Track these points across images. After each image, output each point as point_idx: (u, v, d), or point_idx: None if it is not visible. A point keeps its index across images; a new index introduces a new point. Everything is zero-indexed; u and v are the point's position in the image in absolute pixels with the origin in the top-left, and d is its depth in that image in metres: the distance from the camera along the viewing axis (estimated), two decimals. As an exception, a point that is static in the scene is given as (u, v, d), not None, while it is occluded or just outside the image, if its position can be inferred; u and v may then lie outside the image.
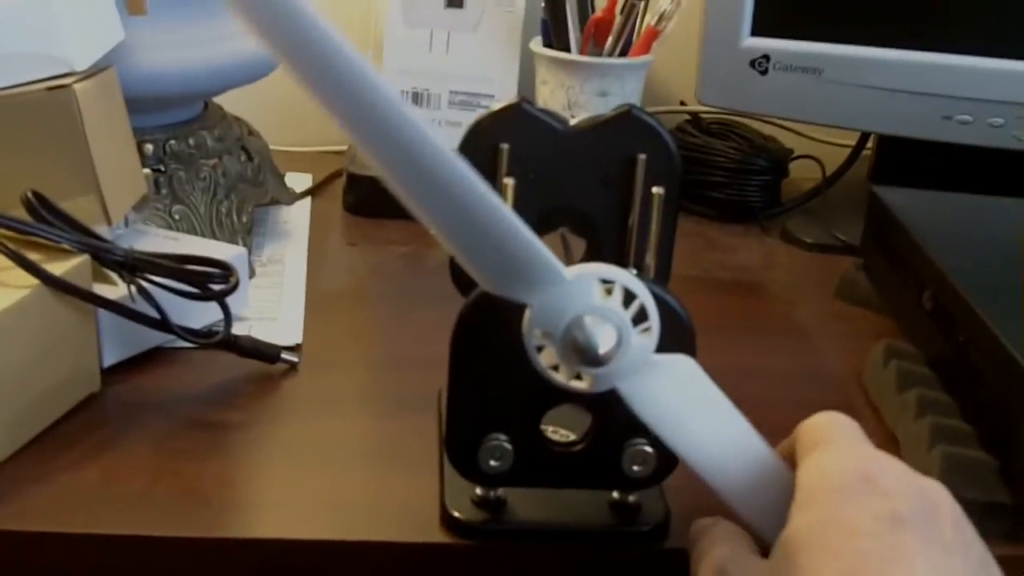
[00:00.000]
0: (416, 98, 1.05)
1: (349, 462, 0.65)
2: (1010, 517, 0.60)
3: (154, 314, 0.68)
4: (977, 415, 0.66)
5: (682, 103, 1.22)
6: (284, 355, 0.73)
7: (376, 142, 0.45)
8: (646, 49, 1.04)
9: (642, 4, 1.02)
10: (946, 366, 0.71)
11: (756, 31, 1.00)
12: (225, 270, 0.69)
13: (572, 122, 0.59)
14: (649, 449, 0.56)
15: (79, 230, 0.67)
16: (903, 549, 0.45)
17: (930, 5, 1.01)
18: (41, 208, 0.66)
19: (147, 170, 0.81)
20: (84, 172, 0.69)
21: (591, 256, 0.61)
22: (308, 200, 1.05)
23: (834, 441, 0.51)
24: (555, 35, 1.04)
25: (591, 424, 0.57)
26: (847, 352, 0.82)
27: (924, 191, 0.87)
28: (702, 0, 1.00)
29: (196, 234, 0.83)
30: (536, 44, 1.06)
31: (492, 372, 0.55)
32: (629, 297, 0.50)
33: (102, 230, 0.69)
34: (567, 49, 1.03)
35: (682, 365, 0.52)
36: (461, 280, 0.58)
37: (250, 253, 0.86)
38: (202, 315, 0.72)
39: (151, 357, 0.73)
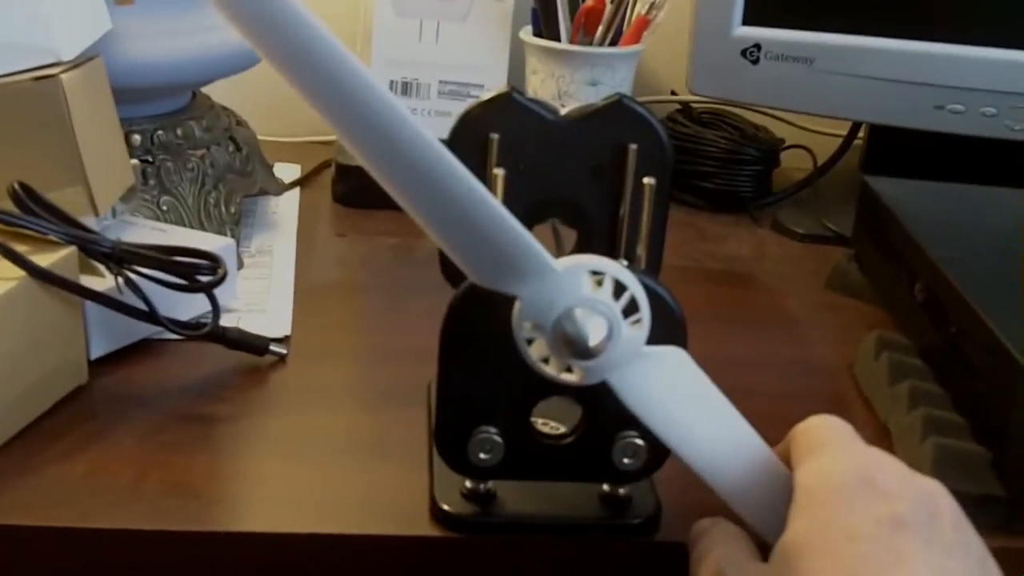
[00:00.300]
0: (405, 88, 1.04)
1: (338, 455, 0.65)
2: (1002, 509, 0.60)
3: (142, 306, 0.68)
4: (970, 407, 0.66)
5: (673, 93, 1.22)
6: (273, 347, 0.73)
7: (359, 133, 0.45)
8: (637, 38, 1.03)
9: (633, -7, 1.02)
10: (938, 357, 0.71)
11: (747, 20, 1.00)
12: (213, 261, 0.69)
13: (562, 112, 0.59)
14: (640, 442, 0.56)
15: (66, 221, 0.67)
16: (903, 553, 0.45)
17: (922, -6, 1.01)
18: (28, 199, 0.66)
19: (135, 161, 0.81)
20: (71, 163, 0.69)
21: (582, 247, 0.60)
22: (297, 191, 1.05)
23: (831, 444, 0.51)
24: (545, 24, 1.03)
25: (581, 417, 0.57)
26: (838, 343, 0.81)
27: (916, 181, 0.87)
28: (693, -11, 1.00)
29: (184, 225, 0.83)
30: (526, 33, 1.05)
31: (482, 364, 0.55)
32: (619, 289, 0.50)
33: (89, 221, 0.69)
34: (557, 38, 1.03)
35: (673, 357, 0.52)
36: (451, 271, 0.57)
37: (238, 244, 0.86)
38: (190, 307, 0.72)
39: (139, 349, 0.73)
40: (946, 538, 0.46)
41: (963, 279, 0.69)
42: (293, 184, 1.05)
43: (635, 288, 0.50)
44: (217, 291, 0.69)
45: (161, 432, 0.65)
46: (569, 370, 0.51)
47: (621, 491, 0.59)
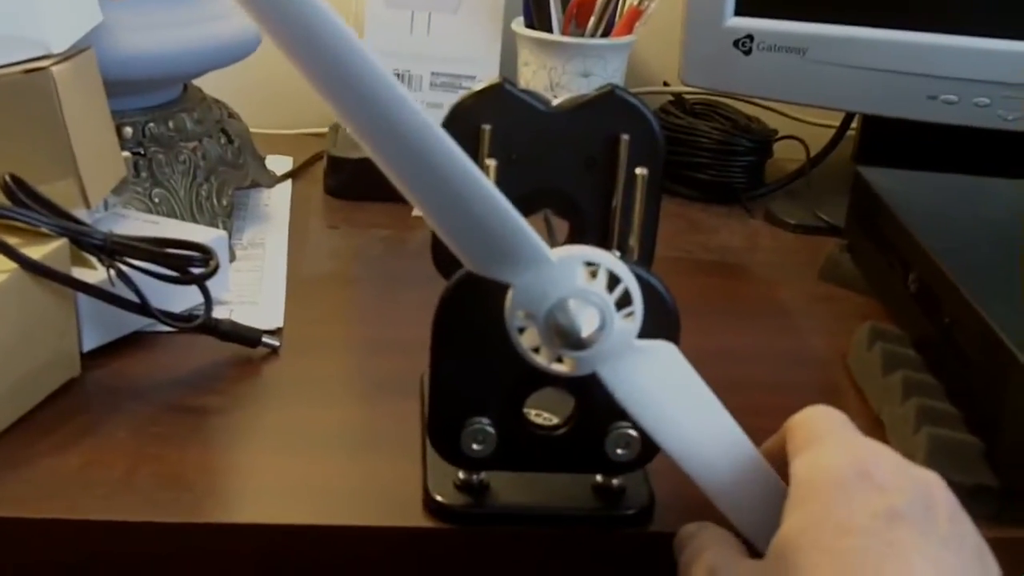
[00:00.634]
0: (397, 79, 1.04)
1: (331, 447, 0.65)
2: (995, 499, 0.60)
3: (134, 298, 0.68)
4: (963, 397, 0.66)
5: (665, 84, 1.22)
6: (265, 339, 0.73)
7: (361, 115, 0.45)
8: (629, 29, 1.03)
9: (625, -16, 1.02)
10: (931, 348, 0.71)
11: (740, 10, 1.00)
12: (205, 254, 0.69)
13: (555, 103, 0.59)
14: (633, 432, 0.56)
15: (58, 214, 0.67)
16: (900, 546, 0.45)
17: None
18: (19, 192, 0.65)
19: (126, 153, 0.81)
20: (62, 155, 0.68)
21: (574, 238, 0.60)
22: (289, 183, 1.04)
23: (827, 436, 0.51)
24: (537, 16, 1.03)
25: (574, 407, 0.56)
26: (831, 334, 0.81)
27: (909, 171, 0.87)
28: (685, -20, 1.00)
29: (176, 217, 0.83)
30: (518, 25, 1.05)
31: (474, 355, 0.55)
32: (613, 281, 0.50)
33: (81, 214, 0.69)
34: (549, 30, 1.03)
35: (664, 352, 0.52)
36: (443, 263, 0.57)
37: (230, 236, 0.85)
38: (182, 299, 0.72)
39: (131, 341, 0.72)
40: (942, 530, 0.46)
41: (956, 269, 0.69)
42: (285, 176, 1.05)
43: (629, 281, 0.50)
44: (209, 283, 0.69)
45: (154, 424, 0.65)
46: (560, 360, 0.51)
47: (614, 482, 0.59)
